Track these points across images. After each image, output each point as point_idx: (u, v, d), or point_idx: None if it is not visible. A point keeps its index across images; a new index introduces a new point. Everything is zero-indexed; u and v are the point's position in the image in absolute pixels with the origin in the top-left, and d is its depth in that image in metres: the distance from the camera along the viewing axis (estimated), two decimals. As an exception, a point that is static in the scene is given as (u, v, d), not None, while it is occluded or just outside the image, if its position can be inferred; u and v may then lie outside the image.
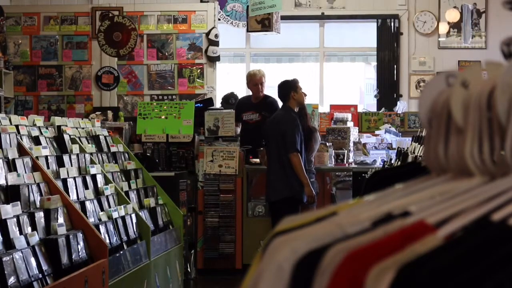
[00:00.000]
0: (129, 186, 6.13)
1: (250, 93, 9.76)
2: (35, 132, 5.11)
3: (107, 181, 5.66)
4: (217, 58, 11.50)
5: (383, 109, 11.46)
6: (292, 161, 7.86)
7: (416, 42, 11.91)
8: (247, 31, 10.44)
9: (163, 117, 8.37)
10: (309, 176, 8.18)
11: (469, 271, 0.79)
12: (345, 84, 13.05)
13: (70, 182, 5.02)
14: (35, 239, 4.07)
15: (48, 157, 4.99)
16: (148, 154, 7.91)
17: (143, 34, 11.41)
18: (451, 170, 0.97)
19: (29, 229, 4.13)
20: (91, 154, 5.76)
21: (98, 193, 5.44)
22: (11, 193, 4.23)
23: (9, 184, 4.24)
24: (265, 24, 9.87)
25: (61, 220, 4.44)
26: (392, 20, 11.88)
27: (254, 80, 9.40)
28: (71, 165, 5.24)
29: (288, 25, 11.35)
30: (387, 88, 11.92)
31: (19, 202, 4.15)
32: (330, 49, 12.49)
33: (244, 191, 8.80)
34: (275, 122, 8.07)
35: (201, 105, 9.18)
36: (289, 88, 8.08)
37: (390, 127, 10.67)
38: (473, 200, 0.90)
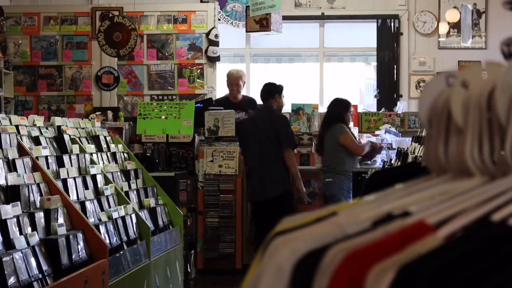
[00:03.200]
0: (129, 186, 6.13)
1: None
2: (35, 132, 5.11)
3: (107, 181, 5.66)
4: (217, 58, 11.50)
5: (383, 109, 11.45)
6: (290, 157, 8.09)
7: (416, 42, 11.91)
8: (246, 31, 10.45)
9: (163, 117, 8.37)
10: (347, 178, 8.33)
11: (469, 271, 0.79)
12: (345, 84, 13.05)
13: (70, 182, 5.02)
14: (35, 239, 4.07)
15: (48, 157, 4.99)
16: (148, 154, 7.91)
17: (143, 34, 11.41)
18: (451, 170, 0.97)
19: (29, 229, 4.13)
20: (91, 154, 5.76)
21: (98, 193, 5.44)
22: (11, 193, 4.22)
23: (9, 184, 4.24)
24: (263, 24, 9.88)
25: (61, 220, 4.44)
26: (392, 20, 11.88)
27: (234, 81, 9.56)
28: (71, 165, 5.24)
29: (288, 25, 11.35)
30: (387, 88, 11.91)
31: (19, 202, 4.15)
32: (330, 49, 12.49)
33: (244, 191, 8.80)
34: (268, 121, 8.25)
35: (201, 105, 9.19)
36: (275, 90, 8.42)
37: (390, 127, 10.67)
38: (473, 200, 0.90)
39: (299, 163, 9.04)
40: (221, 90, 11.59)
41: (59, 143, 5.43)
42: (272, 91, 8.38)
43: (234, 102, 9.49)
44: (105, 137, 6.44)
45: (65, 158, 5.20)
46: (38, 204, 4.42)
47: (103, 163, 5.98)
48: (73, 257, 4.31)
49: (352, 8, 11.92)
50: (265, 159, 8.16)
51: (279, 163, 8.06)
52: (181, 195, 7.30)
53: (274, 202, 8.03)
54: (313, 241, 0.91)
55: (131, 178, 6.34)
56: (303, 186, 8.36)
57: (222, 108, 9.14)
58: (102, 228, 4.94)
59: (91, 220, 4.92)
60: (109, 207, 5.39)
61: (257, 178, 8.25)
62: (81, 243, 4.47)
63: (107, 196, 5.47)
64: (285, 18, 10.71)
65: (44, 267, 4.03)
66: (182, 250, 6.98)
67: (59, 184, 4.78)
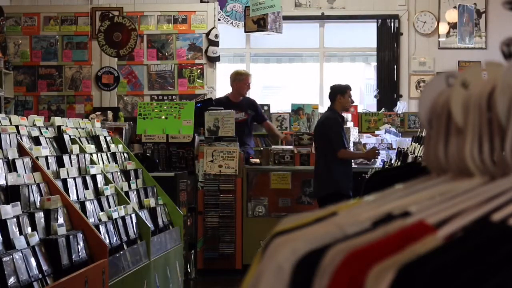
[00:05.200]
0: (129, 186, 6.13)
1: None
2: (35, 132, 5.11)
3: (107, 181, 5.66)
4: (217, 58, 11.50)
5: (383, 109, 11.46)
6: (343, 157, 8.24)
7: (416, 42, 11.91)
8: (245, 31, 10.45)
9: (163, 117, 8.37)
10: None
11: (469, 271, 0.79)
12: (345, 84, 13.04)
13: (70, 182, 5.01)
14: (35, 239, 4.07)
15: (48, 157, 4.99)
16: (148, 154, 7.90)
17: (143, 34, 11.41)
18: (451, 171, 0.97)
19: (29, 229, 4.13)
20: (91, 154, 5.76)
21: (98, 193, 5.44)
22: (11, 193, 4.22)
23: (9, 184, 4.24)
24: (260, 24, 9.88)
25: (61, 220, 4.44)
26: (392, 20, 11.88)
27: (248, 80, 9.60)
28: (71, 165, 5.24)
29: (288, 25, 11.35)
30: (387, 88, 11.91)
31: (19, 202, 4.15)
32: (330, 49, 12.49)
33: (244, 191, 8.80)
34: (320, 123, 8.54)
35: (200, 104, 9.20)
36: (337, 91, 8.45)
37: (390, 127, 10.67)
38: (473, 200, 0.90)
39: (299, 163, 9.05)
40: (221, 90, 11.59)
41: (59, 143, 5.43)
42: (333, 93, 8.48)
43: (234, 102, 9.52)
44: (105, 137, 6.44)
45: (65, 158, 5.20)
46: (38, 204, 4.42)
47: (103, 163, 5.98)
48: (73, 257, 4.31)
49: (352, 8, 11.92)
50: (317, 160, 8.44)
51: (326, 164, 8.23)
52: (181, 195, 7.29)
53: (322, 201, 8.26)
54: (313, 241, 0.91)
55: (131, 178, 6.34)
56: (368, 155, 8.67)
57: (222, 108, 9.15)
58: (102, 228, 4.94)
59: (91, 220, 4.92)
60: (109, 207, 5.39)
61: (314, 176, 8.55)
62: (81, 243, 4.46)
63: (107, 196, 5.47)
64: (285, 18, 10.71)
65: (44, 267, 4.03)
66: (182, 250, 6.98)
67: (59, 184, 4.77)
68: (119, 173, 6.16)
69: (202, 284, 8.32)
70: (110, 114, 10.00)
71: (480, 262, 0.80)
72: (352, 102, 8.72)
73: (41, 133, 5.21)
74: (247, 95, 9.79)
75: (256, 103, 9.79)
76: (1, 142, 4.51)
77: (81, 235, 4.50)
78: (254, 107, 9.66)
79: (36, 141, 5.07)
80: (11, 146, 4.60)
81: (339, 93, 8.41)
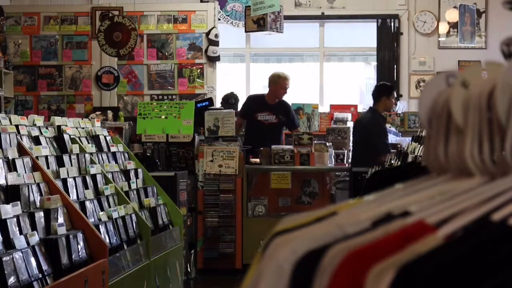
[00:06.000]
0: (129, 186, 6.13)
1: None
2: (35, 132, 5.11)
3: (107, 181, 5.66)
4: (217, 58, 11.50)
5: (383, 109, 11.45)
6: (382, 160, 8.07)
7: (416, 42, 11.91)
8: (245, 31, 10.45)
9: (163, 117, 8.37)
10: None
11: (469, 271, 0.79)
12: (345, 84, 13.05)
13: (70, 182, 5.01)
14: (35, 239, 4.07)
15: (48, 157, 4.99)
16: (148, 154, 7.90)
17: (143, 34, 11.41)
18: (451, 170, 0.97)
19: (29, 229, 4.13)
20: (91, 154, 5.76)
21: (98, 193, 5.44)
22: (11, 193, 4.22)
23: (9, 184, 4.24)
24: (260, 24, 9.88)
25: (61, 220, 4.44)
26: (392, 20, 11.88)
27: (285, 84, 9.47)
28: (71, 165, 5.24)
29: (288, 25, 11.34)
30: (387, 88, 11.90)
31: (19, 202, 4.15)
32: (330, 49, 12.49)
33: (244, 191, 8.80)
34: (362, 125, 8.43)
35: (207, 103, 9.20)
36: (383, 92, 8.38)
37: (390, 127, 10.67)
38: (473, 200, 0.90)
39: (299, 163, 9.05)
40: (221, 90, 11.59)
41: (59, 143, 5.43)
42: (378, 93, 8.38)
43: (269, 104, 9.46)
44: (105, 137, 6.43)
45: (65, 158, 5.20)
46: (38, 204, 4.42)
47: (103, 163, 5.98)
48: (73, 257, 4.31)
49: (352, 8, 11.92)
50: (354, 161, 8.44)
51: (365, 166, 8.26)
52: (181, 195, 7.30)
53: None
54: (313, 241, 0.91)
55: (131, 178, 6.34)
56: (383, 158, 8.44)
57: (222, 108, 9.14)
58: (102, 228, 4.94)
59: (91, 220, 4.92)
60: (109, 207, 5.39)
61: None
62: (81, 243, 4.46)
63: (107, 196, 5.47)
64: (285, 18, 10.70)
65: (44, 267, 4.03)
66: (182, 250, 6.98)
67: (59, 184, 4.77)
68: (119, 173, 6.16)
69: (202, 284, 8.32)
70: (110, 114, 10.00)
71: (480, 262, 0.80)
72: (396, 103, 8.65)
73: (41, 133, 5.21)
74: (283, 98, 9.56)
75: (290, 110, 9.63)
76: (1, 142, 4.51)
77: (81, 235, 4.50)
78: (287, 113, 9.52)
79: (36, 140, 5.07)
80: (11, 146, 4.59)
81: (385, 94, 8.31)
